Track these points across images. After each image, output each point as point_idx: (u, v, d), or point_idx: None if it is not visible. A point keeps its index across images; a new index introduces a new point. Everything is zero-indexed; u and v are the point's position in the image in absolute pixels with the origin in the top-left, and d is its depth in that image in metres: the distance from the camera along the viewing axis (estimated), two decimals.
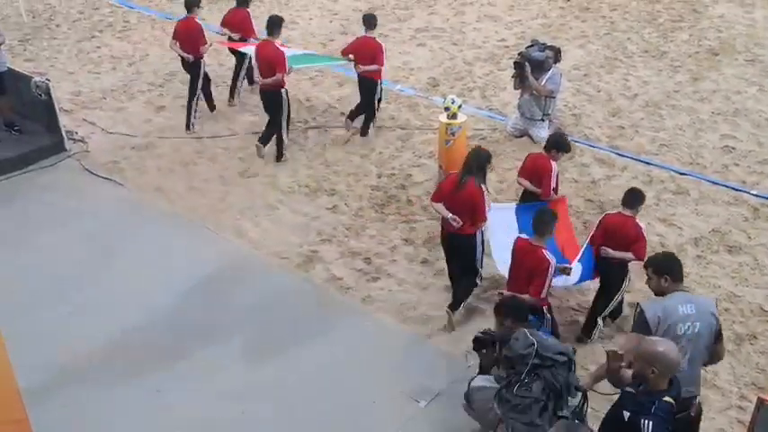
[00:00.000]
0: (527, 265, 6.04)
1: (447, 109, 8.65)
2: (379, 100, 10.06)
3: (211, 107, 10.57)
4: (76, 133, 9.97)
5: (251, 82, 10.80)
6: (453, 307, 6.87)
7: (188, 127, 10.20)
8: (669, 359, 4.16)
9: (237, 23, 10.48)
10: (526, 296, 5.88)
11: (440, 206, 6.76)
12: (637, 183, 8.86)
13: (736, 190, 8.75)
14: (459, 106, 8.69)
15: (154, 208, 8.68)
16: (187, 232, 8.25)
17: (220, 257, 7.82)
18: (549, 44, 10.05)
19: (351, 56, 9.70)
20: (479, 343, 5.52)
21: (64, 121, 9.87)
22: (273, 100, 9.26)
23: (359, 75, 9.78)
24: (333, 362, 6.48)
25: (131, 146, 9.91)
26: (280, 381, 6.30)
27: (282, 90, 9.18)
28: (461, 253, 6.91)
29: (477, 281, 7.03)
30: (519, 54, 9.87)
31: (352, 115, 10.04)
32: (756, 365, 6.47)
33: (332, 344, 6.68)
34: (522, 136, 9.89)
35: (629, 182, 8.90)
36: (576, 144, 9.72)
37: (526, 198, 7.53)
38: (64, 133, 9.68)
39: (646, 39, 12.63)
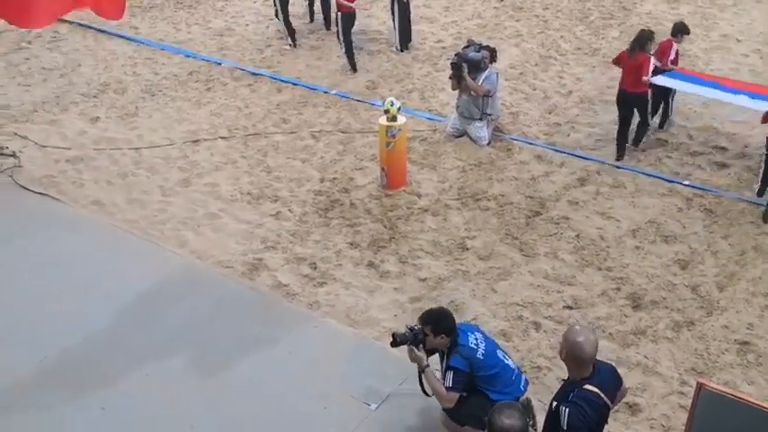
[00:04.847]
0: None
1: (387, 111, 8.68)
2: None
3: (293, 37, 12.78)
4: (7, 148, 9.63)
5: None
6: (637, 142, 9.59)
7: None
8: (582, 351, 4.24)
9: None
10: None
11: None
12: (575, 178, 9.09)
13: (670, 181, 9.03)
14: (399, 108, 8.73)
15: (93, 222, 8.48)
16: (128, 245, 8.08)
17: (163, 269, 7.68)
18: (484, 44, 10.19)
19: None
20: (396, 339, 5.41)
21: None
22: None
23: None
24: (282, 369, 6.43)
25: (66, 159, 9.66)
26: (228, 391, 6.22)
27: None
28: (634, 104, 9.32)
29: (648, 125, 9.54)
30: (456, 55, 9.98)
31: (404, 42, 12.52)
32: (695, 351, 6.68)
33: (280, 351, 6.63)
34: (461, 136, 10.00)
35: (566, 177, 9.11)
36: (515, 142, 9.89)
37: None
38: None
39: (578, 36, 12.92)
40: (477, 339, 5.29)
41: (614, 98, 9.80)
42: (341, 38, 11.80)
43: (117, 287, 7.36)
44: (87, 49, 12.79)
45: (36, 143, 9.98)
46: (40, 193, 8.90)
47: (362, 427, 5.87)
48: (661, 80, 9.30)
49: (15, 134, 10.17)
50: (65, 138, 10.18)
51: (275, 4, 12.65)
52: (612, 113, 10.41)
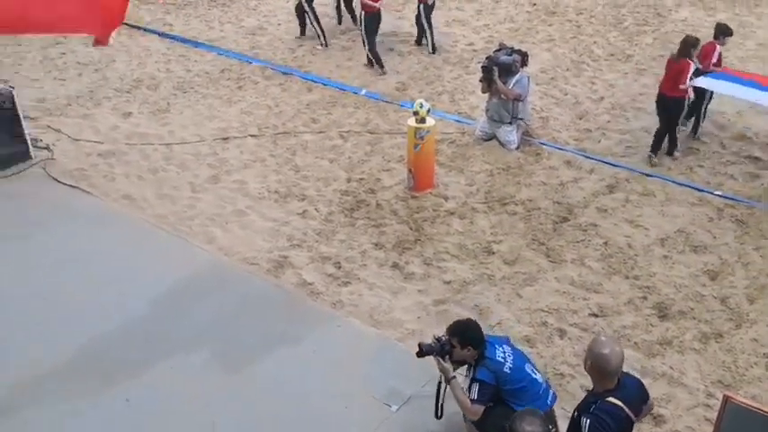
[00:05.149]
0: None
1: (416, 113, 8.67)
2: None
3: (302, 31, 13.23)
4: (41, 141, 9.82)
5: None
6: (672, 151, 9.59)
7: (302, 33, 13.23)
8: (608, 363, 4.16)
9: None
10: None
11: None
12: (604, 185, 9.02)
13: (701, 191, 8.91)
14: (428, 110, 8.72)
15: (122, 216, 8.58)
16: (157, 240, 8.16)
17: (190, 265, 7.74)
18: (516, 48, 10.15)
19: None
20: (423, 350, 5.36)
21: (28, 129, 9.72)
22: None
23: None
24: (304, 368, 6.45)
25: (98, 153, 9.79)
26: (252, 388, 6.26)
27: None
28: (670, 108, 9.38)
29: (678, 128, 9.55)
30: (487, 58, 9.95)
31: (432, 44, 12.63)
32: (722, 363, 6.58)
33: (303, 349, 6.65)
34: (490, 139, 9.96)
35: (596, 184, 9.04)
36: (544, 147, 9.84)
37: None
38: (29, 141, 9.52)
39: (611, 42, 12.81)
40: (504, 352, 5.21)
41: (646, 105, 9.74)
42: (364, 38, 11.80)
43: (145, 281, 7.44)
44: (121, 44, 12.96)
45: (69, 136, 10.13)
46: (71, 186, 9.04)
47: (383, 429, 5.86)
48: (701, 82, 9.24)
49: (49, 127, 10.33)
50: (97, 132, 10.32)
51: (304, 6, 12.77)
52: (643, 120, 10.35)
